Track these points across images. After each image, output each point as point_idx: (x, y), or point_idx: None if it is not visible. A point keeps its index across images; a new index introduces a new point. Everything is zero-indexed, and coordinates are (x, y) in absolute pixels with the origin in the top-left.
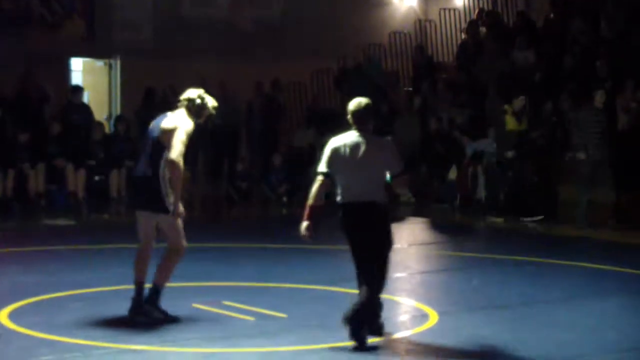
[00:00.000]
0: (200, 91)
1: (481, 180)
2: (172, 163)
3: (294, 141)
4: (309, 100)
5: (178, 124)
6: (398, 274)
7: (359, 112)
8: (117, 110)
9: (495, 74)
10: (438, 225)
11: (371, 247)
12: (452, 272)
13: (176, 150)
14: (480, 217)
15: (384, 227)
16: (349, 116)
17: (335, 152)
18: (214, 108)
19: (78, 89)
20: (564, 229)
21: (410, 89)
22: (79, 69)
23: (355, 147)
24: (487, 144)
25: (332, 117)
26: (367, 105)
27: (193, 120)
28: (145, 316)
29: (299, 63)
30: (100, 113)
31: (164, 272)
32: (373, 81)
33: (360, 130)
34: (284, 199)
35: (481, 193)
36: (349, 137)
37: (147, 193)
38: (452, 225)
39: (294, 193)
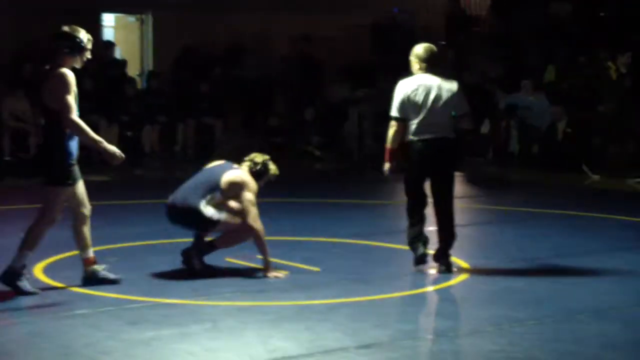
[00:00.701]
0: (266, 157)
1: (514, 133)
2: (252, 229)
3: (329, 96)
4: (343, 56)
5: (246, 181)
6: (430, 228)
7: (429, 56)
8: (150, 66)
9: (531, 26)
10: (471, 178)
11: (441, 181)
12: (485, 226)
13: (252, 214)
14: (514, 170)
15: (453, 162)
16: (417, 61)
17: (407, 96)
18: (275, 175)
19: (110, 45)
20: (601, 182)
21: (444, 42)
22: (111, 24)
23: (428, 90)
24: (521, 97)
25: (366, 72)
26: (435, 50)
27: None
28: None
29: (333, 18)
30: (132, 69)
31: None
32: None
33: (431, 73)
34: (318, 153)
35: (514, 146)
36: (421, 80)
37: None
38: (485, 179)
39: (328, 147)
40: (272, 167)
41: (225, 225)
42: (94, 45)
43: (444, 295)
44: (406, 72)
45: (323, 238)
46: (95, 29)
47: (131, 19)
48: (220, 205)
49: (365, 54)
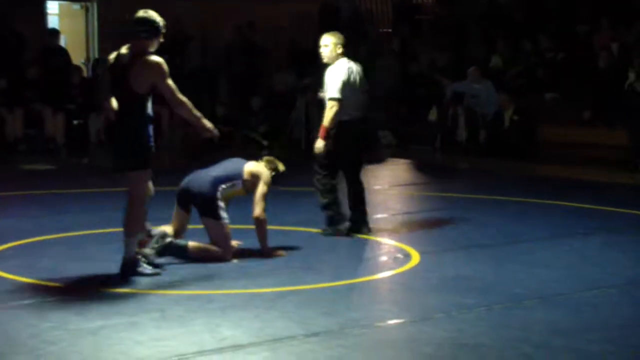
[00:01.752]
0: (284, 168)
1: (461, 121)
2: (258, 219)
3: (274, 84)
4: (289, 44)
5: (265, 174)
6: (379, 215)
7: (346, 42)
8: (95, 54)
9: (476, 14)
10: (419, 166)
11: (360, 157)
12: (433, 213)
13: (261, 206)
14: (461, 157)
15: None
16: (340, 46)
17: (347, 78)
18: (284, 171)
19: (55, 32)
20: (545, 168)
21: (390, 30)
22: (55, 12)
23: (356, 72)
24: (467, 85)
25: (312, 59)
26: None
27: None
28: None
29: (278, 5)
30: (78, 57)
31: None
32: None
33: (348, 57)
34: (264, 142)
35: (462, 134)
36: (349, 64)
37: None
38: (433, 167)
39: (274, 136)
40: (280, 166)
41: (215, 234)
42: (38, 33)
43: (393, 283)
44: (353, 59)
45: (270, 226)
46: (39, 16)
47: (76, 6)
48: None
49: (311, 42)
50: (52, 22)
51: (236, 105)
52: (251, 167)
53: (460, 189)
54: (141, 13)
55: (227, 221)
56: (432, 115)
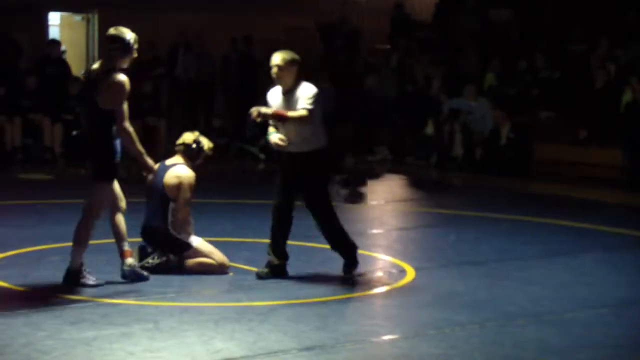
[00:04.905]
0: (196, 134)
1: (458, 137)
2: (184, 220)
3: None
4: None
5: (182, 178)
6: (375, 230)
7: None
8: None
9: (471, 32)
10: (415, 182)
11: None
12: (429, 229)
13: (184, 213)
14: (456, 174)
15: None
16: (299, 68)
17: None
18: (210, 149)
19: (54, 43)
20: (540, 186)
21: (388, 46)
22: (56, 23)
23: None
24: (463, 102)
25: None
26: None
27: (190, 165)
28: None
29: (274, 19)
30: (78, 68)
31: None
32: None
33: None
34: (261, 155)
35: (458, 150)
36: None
37: (164, 242)
38: (429, 182)
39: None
40: (206, 142)
41: (202, 256)
42: (38, 43)
43: (386, 298)
44: (350, 72)
45: (265, 239)
46: (41, 27)
47: (77, 17)
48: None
49: (308, 56)
50: (53, 32)
51: (232, 117)
52: (166, 180)
53: (455, 205)
54: (112, 30)
55: (197, 242)
56: (429, 130)
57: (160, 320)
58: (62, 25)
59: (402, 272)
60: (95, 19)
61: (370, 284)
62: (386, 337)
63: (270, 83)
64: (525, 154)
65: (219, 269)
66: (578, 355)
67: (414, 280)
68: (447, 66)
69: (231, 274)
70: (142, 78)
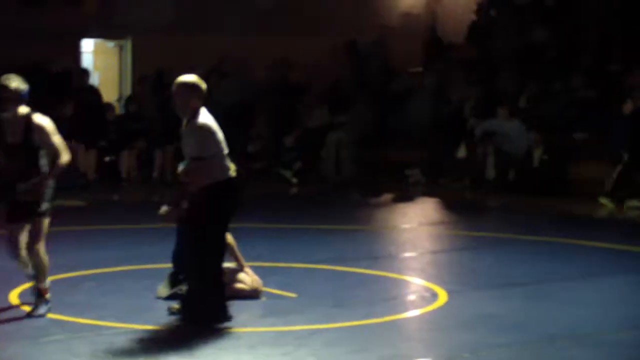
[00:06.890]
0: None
1: (491, 159)
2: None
3: (310, 120)
4: (323, 80)
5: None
6: (408, 254)
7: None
8: (128, 91)
9: (508, 52)
10: (448, 204)
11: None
12: (462, 252)
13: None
14: (490, 196)
15: None
16: (203, 95)
17: (216, 131)
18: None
19: (85, 72)
20: (576, 207)
21: (420, 68)
22: (90, 50)
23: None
24: (497, 123)
25: (344, 96)
26: None
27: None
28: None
29: (315, 41)
30: (111, 94)
31: None
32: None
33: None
34: (294, 179)
35: (490, 172)
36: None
37: None
38: (462, 205)
39: (305, 173)
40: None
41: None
42: (73, 71)
43: (422, 321)
44: (384, 97)
45: (300, 264)
46: (74, 54)
47: (110, 44)
48: None
49: (345, 78)
50: (87, 59)
51: (271, 141)
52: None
53: (489, 228)
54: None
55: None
56: (461, 153)
57: (194, 345)
58: (95, 52)
59: (435, 295)
60: (128, 45)
61: (403, 307)
62: None
63: (309, 105)
64: (560, 173)
65: (252, 294)
66: None
67: (447, 303)
68: (483, 87)
69: (264, 299)
70: None
